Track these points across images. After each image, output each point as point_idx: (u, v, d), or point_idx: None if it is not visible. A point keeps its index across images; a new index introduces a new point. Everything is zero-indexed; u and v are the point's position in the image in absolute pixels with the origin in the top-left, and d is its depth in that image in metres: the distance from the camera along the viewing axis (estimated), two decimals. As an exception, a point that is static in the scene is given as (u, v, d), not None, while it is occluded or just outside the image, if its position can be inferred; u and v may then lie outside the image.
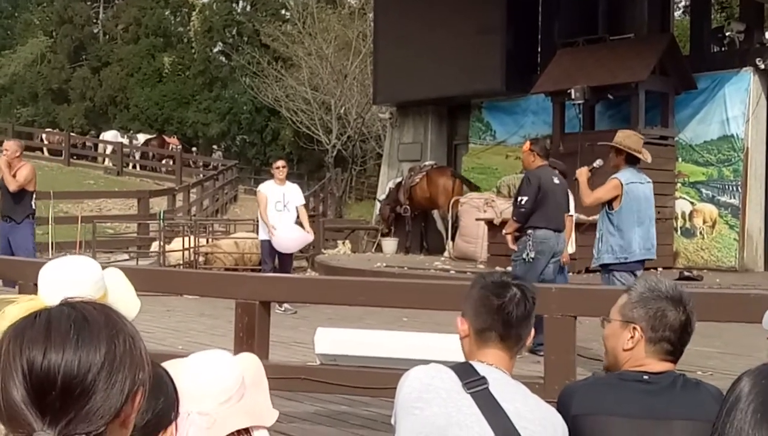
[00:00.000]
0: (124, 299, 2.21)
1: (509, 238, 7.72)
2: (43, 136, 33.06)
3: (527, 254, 7.45)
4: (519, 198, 7.62)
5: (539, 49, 16.40)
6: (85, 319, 1.12)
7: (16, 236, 9.69)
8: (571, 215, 8.46)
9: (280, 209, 10.17)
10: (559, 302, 4.29)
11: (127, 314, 2.16)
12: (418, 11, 16.72)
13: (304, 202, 10.81)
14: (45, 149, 31.60)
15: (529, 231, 7.49)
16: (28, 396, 1.07)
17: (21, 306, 1.80)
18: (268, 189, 10.39)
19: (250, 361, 2.23)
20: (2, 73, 45.14)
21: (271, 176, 10.60)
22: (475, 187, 15.76)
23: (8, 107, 44.90)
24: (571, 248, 8.48)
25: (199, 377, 2.01)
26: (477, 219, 13.86)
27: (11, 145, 9.94)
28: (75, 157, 30.06)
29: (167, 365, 1.96)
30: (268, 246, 10.21)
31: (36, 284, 4.84)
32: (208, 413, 1.95)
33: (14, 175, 9.61)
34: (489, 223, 13.10)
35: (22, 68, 44.85)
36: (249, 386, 2.08)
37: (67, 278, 2.06)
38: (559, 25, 15.57)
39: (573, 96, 13.62)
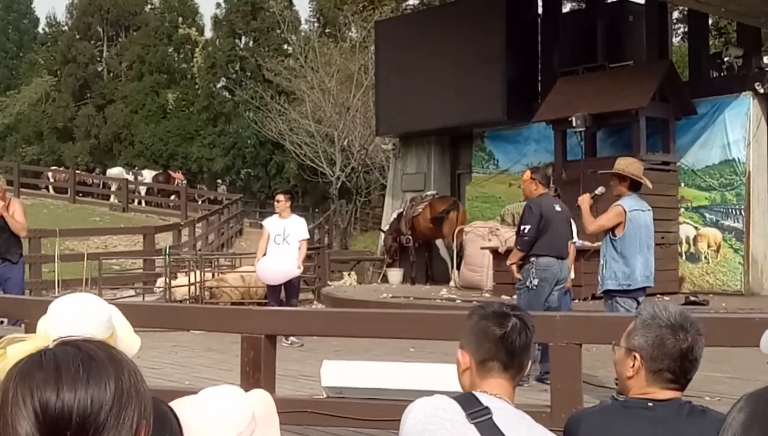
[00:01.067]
0: (128, 337, 2.23)
1: (513, 267, 7.73)
2: (49, 174, 33.21)
3: (530, 282, 7.46)
4: (521, 227, 7.64)
5: (539, 78, 16.50)
6: (91, 357, 1.13)
7: (12, 276, 9.28)
8: (574, 242, 8.48)
9: (280, 242, 10.11)
10: (564, 330, 4.30)
11: (130, 350, 2.19)
12: (419, 43, 16.84)
13: (306, 236, 10.50)
14: (50, 187, 31.75)
15: (532, 259, 7.50)
16: None
17: (30, 344, 1.81)
18: (270, 223, 10.40)
19: (260, 397, 2.24)
20: (8, 112, 45.50)
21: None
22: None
23: (14, 146, 45.20)
24: (570, 274, 8.50)
25: (209, 412, 2.02)
26: (482, 248, 13.86)
27: (1, 184, 9.73)
28: (80, 195, 30.19)
29: (179, 400, 1.98)
30: (272, 279, 10.20)
31: (43, 323, 4.78)
32: None
33: (12, 214, 9.25)
34: (494, 251, 13.09)
35: (27, 107, 45.22)
36: (260, 421, 2.09)
37: (80, 316, 2.08)
38: (558, 54, 15.67)
39: (574, 124, 13.69)
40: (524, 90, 15.94)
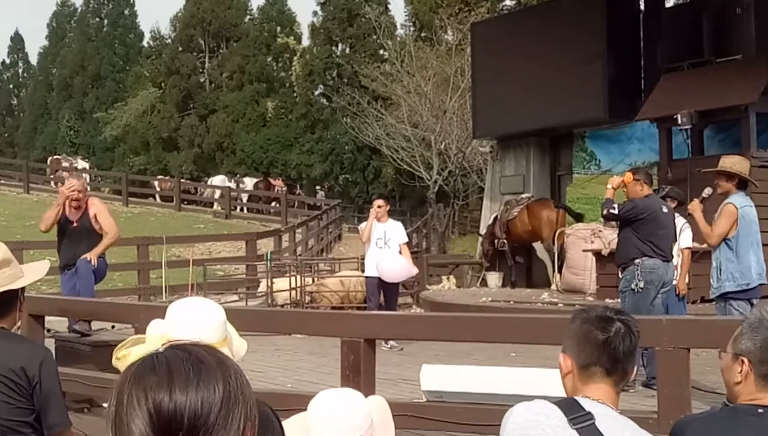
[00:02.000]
0: (236, 340, 2.28)
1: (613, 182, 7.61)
2: (156, 183, 34.19)
3: (636, 284, 7.25)
4: (615, 205, 7.49)
5: (642, 75, 16.08)
6: (200, 361, 1.18)
7: (81, 270, 7.88)
8: (689, 248, 8.23)
9: (381, 247, 10.21)
10: (671, 334, 4.15)
11: (239, 353, 2.24)
12: (516, 43, 16.67)
13: (406, 239, 10.72)
14: (157, 196, 32.69)
15: (637, 260, 7.29)
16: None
17: (152, 346, 1.85)
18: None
19: (378, 403, 2.26)
20: (115, 124, 47.22)
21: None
22: (578, 217, 15.47)
23: (122, 157, 46.85)
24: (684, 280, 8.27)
25: (329, 414, 2.04)
26: (584, 250, 13.59)
27: (83, 184, 8.27)
28: (185, 203, 31.01)
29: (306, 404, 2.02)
30: (373, 283, 10.26)
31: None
32: None
33: (94, 217, 8.05)
34: (597, 254, 12.82)
35: (133, 119, 46.82)
36: (377, 427, 2.10)
37: (198, 320, 2.13)
38: (662, 50, 15.25)
39: (680, 121, 13.29)
40: (626, 88, 15.56)
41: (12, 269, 3.25)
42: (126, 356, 2.19)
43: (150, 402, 1.12)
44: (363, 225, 10.80)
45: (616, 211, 7.43)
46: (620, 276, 7.55)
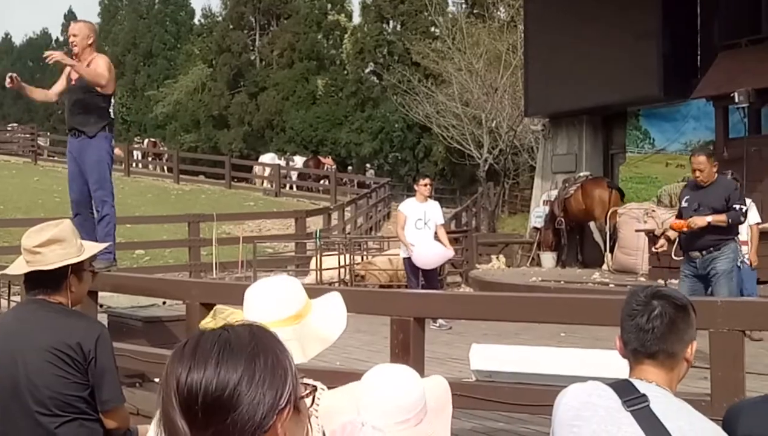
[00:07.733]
0: (328, 320, 2.24)
1: (699, 222, 7.19)
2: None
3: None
4: (738, 206, 7.20)
5: (699, 53, 15.73)
6: (228, 341, 1.22)
7: (87, 153, 6.96)
8: (758, 223, 8.14)
9: (420, 227, 10.19)
10: (726, 316, 4.06)
11: (330, 335, 2.22)
12: (569, 21, 16.41)
13: (443, 221, 10.72)
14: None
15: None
16: (180, 409, 1.19)
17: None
18: (408, 207, 10.48)
19: (436, 384, 2.14)
20: (166, 102, 47.74)
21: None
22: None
23: (173, 134, 47.37)
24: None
25: (379, 390, 1.96)
26: (637, 230, 13.42)
27: (81, 28, 6.93)
28: (236, 180, 31.21)
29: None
30: (410, 263, 10.25)
31: (202, 304, 5.01)
32: (381, 430, 1.89)
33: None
34: (650, 234, 12.65)
35: (184, 96, 47.28)
36: (430, 411, 2.01)
37: (264, 298, 2.14)
38: (719, 27, 14.89)
39: (737, 99, 12.99)
40: (682, 65, 15.22)
41: (63, 248, 3.27)
42: (207, 324, 2.22)
43: (174, 377, 1.20)
44: (403, 206, 10.77)
45: (743, 216, 7.22)
46: (703, 256, 7.14)
